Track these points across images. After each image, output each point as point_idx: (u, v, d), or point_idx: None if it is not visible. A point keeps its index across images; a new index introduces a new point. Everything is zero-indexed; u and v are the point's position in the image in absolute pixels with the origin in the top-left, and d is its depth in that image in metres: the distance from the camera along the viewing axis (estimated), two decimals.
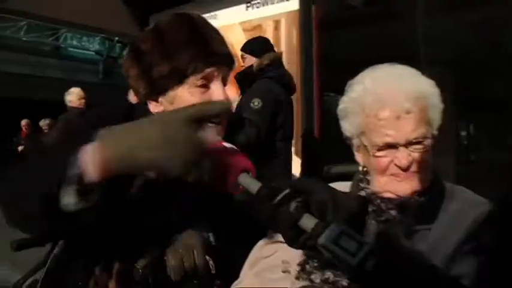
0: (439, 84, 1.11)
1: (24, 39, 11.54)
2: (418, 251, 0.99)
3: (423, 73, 1.11)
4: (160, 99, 1.16)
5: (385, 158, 1.06)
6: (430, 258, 0.97)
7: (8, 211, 0.93)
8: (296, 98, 4.53)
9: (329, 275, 0.99)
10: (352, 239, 0.68)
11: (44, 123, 8.45)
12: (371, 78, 1.09)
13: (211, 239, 1.15)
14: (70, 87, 5.46)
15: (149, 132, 0.79)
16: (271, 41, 3.63)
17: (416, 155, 1.05)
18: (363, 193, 1.11)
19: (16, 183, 0.95)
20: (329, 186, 0.86)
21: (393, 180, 1.07)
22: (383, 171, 1.07)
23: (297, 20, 4.53)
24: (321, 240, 0.70)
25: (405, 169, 1.04)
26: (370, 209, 1.07)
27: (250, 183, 0.82)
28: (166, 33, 1.14)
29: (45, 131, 8.17)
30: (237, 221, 1.14)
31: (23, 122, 9.09)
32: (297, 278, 1.04)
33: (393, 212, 1.04)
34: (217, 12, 5.51)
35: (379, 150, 1.06)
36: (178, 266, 1.04)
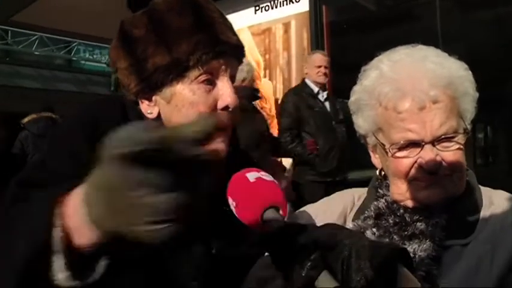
0: None
1: (36, 53, 11.62)
2: None
3: None
4: (154, 97, 0.97)
5: (406, 159, 0.87)
6: (470, 281, 0.77)
7: None
8: None
9: None
10: None
11: None
12: (388, 62, 0.90)
13: None
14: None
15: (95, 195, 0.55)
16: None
17: (445, 154, 0.85)
18: (382, 202, 0.92)
19: None
20: (350, 231, 0.68)
21: (417, 186, 0.88)
22: (405, 175, 0.88)
23: (307, 21, 4.36)
24: None
25: (432, 172, 0.85)
26: (391, 221, 0.88)
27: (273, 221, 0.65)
28: (164, 16, 0.95)
29: None
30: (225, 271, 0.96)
31: None
32: None
33: (420, 225, 0.85)
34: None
35: (399, 149, 0.87)
36: None
